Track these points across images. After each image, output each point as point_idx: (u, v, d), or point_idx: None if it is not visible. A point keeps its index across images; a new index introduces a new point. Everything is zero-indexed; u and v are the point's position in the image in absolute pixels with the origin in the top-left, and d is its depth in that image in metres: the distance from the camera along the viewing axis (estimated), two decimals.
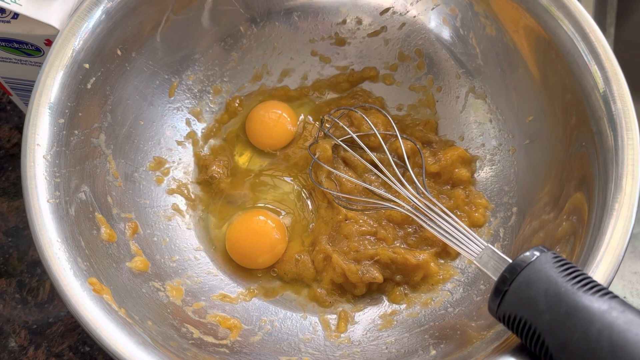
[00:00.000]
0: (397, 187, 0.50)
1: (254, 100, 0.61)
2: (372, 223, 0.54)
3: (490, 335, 0.42)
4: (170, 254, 0.52)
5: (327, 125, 0.58)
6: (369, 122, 0.55)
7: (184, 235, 0.54)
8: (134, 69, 0.52)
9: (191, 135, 0.58)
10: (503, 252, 0.44)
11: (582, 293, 0.35)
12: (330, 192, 0.55)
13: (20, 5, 0.48)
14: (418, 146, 0.57)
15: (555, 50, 0.48)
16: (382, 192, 0.54)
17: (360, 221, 0.54)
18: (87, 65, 0.47)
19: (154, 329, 0.43)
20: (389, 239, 0.53)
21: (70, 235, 0.42)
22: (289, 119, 0.59)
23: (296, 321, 0.51)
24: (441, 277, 0.52)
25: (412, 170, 0.55)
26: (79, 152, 0.47)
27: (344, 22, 0.60)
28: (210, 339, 0.46)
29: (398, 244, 0.54)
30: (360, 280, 0.51)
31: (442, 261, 0.53)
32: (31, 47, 0.51)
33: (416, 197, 0.49)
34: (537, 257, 0.38)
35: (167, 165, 0.56)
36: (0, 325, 0.57)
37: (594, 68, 0.45)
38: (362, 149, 0.54)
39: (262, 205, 0.57)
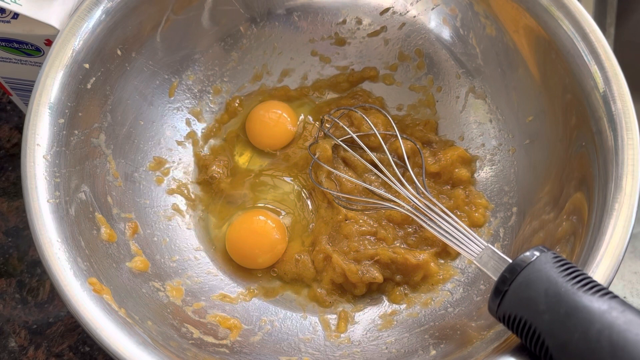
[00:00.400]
0: (397, 187, 0.50)
1: (254, 100, 0.61)
2: (372, 223, 0.54)
3: (490, 335, 0.42)
4: (170, 254, 0.52)
5: (327, 125, 0.58)
6: (369, 122, 0.55)
7: (184, 235, 0.54)
8: (134, 69, 0.52)
9: (191, 135, 0.58)
10: (503, 252, 0.44)
11: (582, 293, 0.35)
12: (330, 192, 0.55)
13: (20, 5, 0.48)
14: (418, 146, 0.57)
15: (555, 50, 0.48)
16: (382, 192, 0.54)
17: (360, 221, 0.54)
18: (87, 65, 0.47)
19: (154, 329, 0.43)
20: (389, 239, 0.53)
21: (70, 235, 0.42)
22: (289, 119, 0.59)
23: (296, 321, 0.51)
24: (441, 277, 0.52)
25: (412, 170, 0.55)
26: (79, 152, 0.47)
27: (344, 22, 0.60)
28: (210, 339, 0.46)
29: (398, 244, 0.54)
30: (360, 280, 0.51)
31: (442, 261, 0.53)
32: (31, 47, 0.51)
33: (416, 197, 0.49)
34: (537, 257, 0.38)
35: (167, 165, 0.56)
36: (0, 325, 0.57)
37: (594, 68, 0.45)
38: (362, 149, 0.54)
39: (262, 205, 0.57)
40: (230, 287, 0.53)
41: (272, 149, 0.59)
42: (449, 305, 0.50)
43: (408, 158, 0.55)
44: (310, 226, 0.56)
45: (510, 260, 0.40)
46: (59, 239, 0.41)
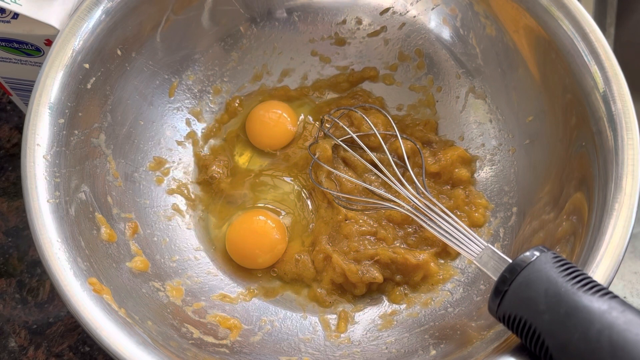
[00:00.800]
0: (397, 187, 0.50)
1: (254, 100, 0.61)
2: (372, 223, 0.54)
3: (490, 335, 0.42)
4: (170, 254, 0.52)
5: (327, 125, 0.58)
6: (369, 122, 0.55)
7: (184, 235, 0.54)
8: (134, 69, 0.52)
9: (191, 135, 0.58)
10: (503, 252, 0.44)
11: (582, 293, 0.35)
12: (330, 192, 0.55)
13: (20, 5, 0.48)
14: (418, 146, 0.57)
15: (555, 50, 0.48)
16: (382, 192, 0.54)
17: (360, 221, 0.54)
18: (87, 65, 0.47)
19: (154, 329, 0.43)
20: (389, 239, 0.53)
21: (70, 235, 0.42)
22: (289, 119, 0.59)
23: (296, 321, 0.51)
24: (441, 277, 0.52)
25: (412, 170, 0.55)
26: (79, 152, 0.47)
27: (344, 22, 0.60)
28: (210, 339, 0.46)
29: (398, 244, 0.54)
30: (360, 280, 0.51)
31: (442, 261, 0.53)
32: (31, 47, 0.51)
33: (416, 197, 0.49)
34: (537, 257, 0.38)
35: (167, 165, 0.56)
36: (0, 325, 0.57)
37: (594, 68, 0.45)
38: (362, 149, 0.54)
39: (262, 205, 0.57)
40: (230, 287, 0.53)
41: (272, 149, 0.59)
42: (449, 305, 0.50)
43: (408, 158, 0.55)
44: (310, 226, 0.56)
45: (510, 260, 0.40)
46: (59, 239, 0.41)
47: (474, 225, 0.54)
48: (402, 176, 0.54)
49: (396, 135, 0.56)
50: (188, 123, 0.58)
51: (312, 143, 0.58)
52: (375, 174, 0.55)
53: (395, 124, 0.56)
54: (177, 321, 0.46)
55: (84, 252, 0.43)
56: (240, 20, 0.59)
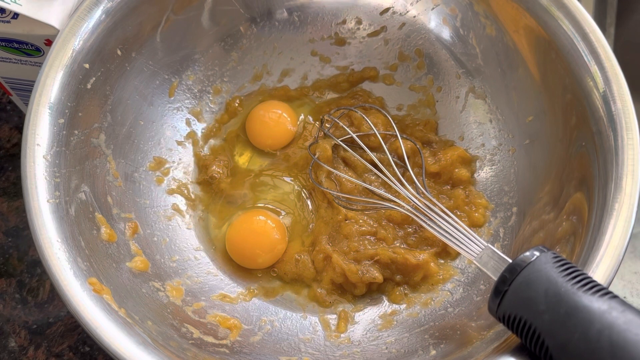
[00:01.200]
0: (397, 187, 0.50)
1: (254, 100, 0.61)
2: (372, 223, 0.54)
3: (490, 335, 0.42)
4: (170, 254, 0.52)
5: (327, 125, 0.59)
6: (369, 122, 0.55)
7: (184, 235, 0.54)
8: (134, 69, 0.52)
9: (191, 135, 0.58)
10: (503, 252, 0.44)
11: (582, 293, 0.35)
12: (330, 192, 0.55)
13: (20, 5, 0.48)
14: (418, 146, 0.57)
15: (555, 50, 0.48)
16: (382, 192, 0.54)
17: (360, 221, 0.54)
18: (87, 65, 0.47)
19: (154, 329, 0.43)
20: (389, 239, 0.53)
21: (70, 235, 0.42)
22: (289, 119, 0.59)
23: (296, 321, 0.51)
24: (441, 277, 0.52)
25: (412, 170, 0.55)
26: (79, 152, 0.47)
27: (344, 22, 0.60)
28: (210, 339, 0.46)
29: (398, 244, 0.54)
30: (360, 280, 0.51)
31: (442, 261, 0.53)
32: (31, 47, 0.51)
33: (416, 197, 0.49)
34: (537, 257, 0.38)
35: (167, 165, 0.56)
36: (0, 325, 0.57)
37: (594, 68, 0.45)
38: (362, 149, 0.54)
39: (262, 205, 0.57)
40: (230, 287, 0.53)
41: (272, 149, 0.59)
42: (449, 305, 0.50)
43: (408, 158, 0.55)
44: (310, 226, 0.56)
45: (510, 260, 0.40)
46: (59, 239, 0.41)
47: (474, 225, 0.54)
48: (402, 176, 0.54)
49: (396, 135, 0.56)
50: (188, 123, 0.58)
51: (312, 143, 0.58)
52: (375, 174, 0.55)
53: (395, 124, 0.56)
54: (177, 321, 0.46)
55: (84, 252, 0.43)
56: (240, 20, 0.59)
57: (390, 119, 0.56)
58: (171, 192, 0.56)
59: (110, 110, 0.51)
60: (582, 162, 0.46)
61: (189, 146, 0.58)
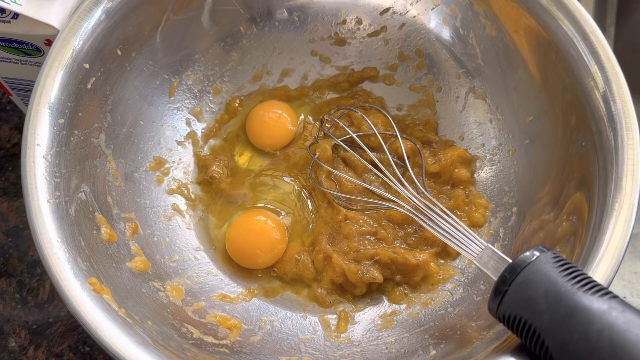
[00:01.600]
0: (397, 187, 0.50)
1: (254, 100, 0.61)
2: (372, 223, 0.54)
3: (490, 335, 0.42)
4: (170, 254, 0.52)
5: (327, 125, 0.59)
6: (369, 122, 0.55)
7: (184, 235, 0.54)
8: (134, 69, 0.52)
9: (191, 135, 0.58)
10: (503, 252, 0.44)
11: (582, 293, 0.35)
12: (330, 192, 0.55)
13: (20, 5, 0.48)
14: (418, 146, 0.57)
15: (555, 50, 0.48)
16: (382, 192, 0.54)
17: (360, 221, 0.54)
18: (87, 65, 0.47)
19: (154, 329, 0.43)
20: (389, 239, 0.53)
21: (70, 235, 0.42)
22: (289, 119, 0.59)
23: (296, 321, 0.51)
24: (441, 277, 0.52)
25: (412, 170, 0.55)
26: (79, 152, 0.47)
27: (344, 22, 0.60)
28: (210, 339, 0.46)
29: (398, 244, 0.54)
30: (360, 280, 0.51)
31: (442, 261, 0.53)
32: (31, 47, 0.51)
33: (416, 197, 0.49)
34: (537, 257, 0.38)
35: (167, 165, 0.56)
36: (0, 325, 0.57)
37: (594, 68, 0.45)
38: (362, 149, 0.54)
39: (262, 205, 0.57)
40: (230, 287, 0.53)
41: (272, 149, 0.59)
42: (449, 305, 0.50)
43: (408, 158, 0.55)
44: (310, 226, 0.56)
45: (510, 260, 0.40)
46: (59, 239, 0.41)
47: (474, 225, 0.54)
48: (402, 176, 0.54)
49: (396, 135, 0.56)
50: (188, 123, 0.58)
51: (312, 143, 0.58)
52: (375, 174, 0.55)
53: (395, 124, 0.56)
54: (177, 321, 0.46)
55: (84, 252, 0.43)
56: (240, 20, 0.59)
57: (390, 119, 0.56)
58: (171, 192, 0.56)
59: (110, 110, 0.51)
60: (582, 162, 0.46)
61: (189, 146, 0.58)
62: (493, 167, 0.56)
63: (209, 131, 0.59)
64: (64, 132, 0.45)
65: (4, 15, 0.49)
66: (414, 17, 0.58)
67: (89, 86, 0.48)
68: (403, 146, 0.54)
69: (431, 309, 0.51)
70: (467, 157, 0.56)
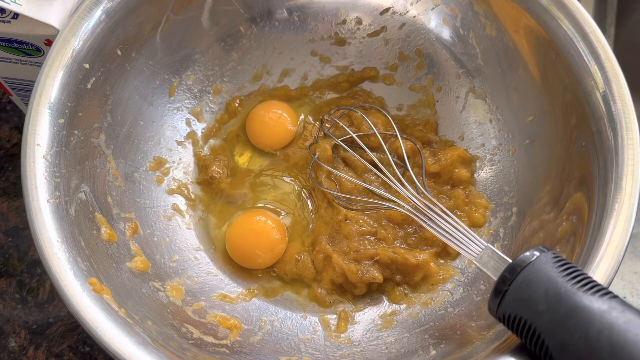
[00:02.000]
0: (397, 187, 0.50)
1: (254, 100, 0.61)
2: (372, 223, 0.54)
3: (490, 335, 0.42)
4: (170, 254, 0.52)
5: (327, 125, 0.59)
6: (369, 122, 0.55)
7: (184, 235, 0.54)
8: (134, 69, 0.52)
9: (191, 135, 0.58)
10: (503, 252, 0.44)
11: (582, 293, 0.35)
12: (330, 192, 0.55)
13: (20, 5, 0.48)
14: (418, 146, 0.57)
15: (555, 50, 0.48)
16: (382, 192, 0.54)
17: (360, 221, 0.54)
18: (87, 65, 0.47)
19: (154, 329, 0.43)
20: (389, 239, 0.53)
21: (70, 235, 0.42)
22: (289, 119, 0.59)
23: (296, 321, 0.51)
24: (441, 277, 0.52)
25: (412, 170, 0.55)
26: (79, 152, 0.47)
27: (344, 22, 0.60)
28: (210, 339, 0.46)
29: (398, 244, 0.54)
30: (360, 280, 0.51)
31: (442, 261, 0.53)
32: (31, 47, 0.51)
33: (416, 197, 0.49)
34: (537, 257, 0.38)
35: (167, 165, 0.56)
36: (0, 325, 0.57)
37: (594, 68, 0.45)
38: (362, 149, 0.54)
39: (262, 205, 0.57)
40: (230, 287, 0.53)
41: (272, 149, 0.59)
42: (449, 305, 0.50)
43: (408, 158, 0.55)
44: (310, 226, 0.56)
45: (510, 260, 0.40)
46: (59, 239, 0.41)
47: (474, 225, 0.54)
48: (402, 176, 0.54)
49: (396, 135, 0.56)
50: (188, 123, 0.58)
51: (312, 143, 0.58)
52: (375, 174, 0.55)
53: (395, 124, 0.56)
54: (177, 321, 0.46)
55: (84, 252, 0.43)
56: (240, 20, 0.59)
57: (390, 119, 0.56)
58: (171, 192, 0.56)
59: (110, 110, 0.51)
60: (582, 162, 0.46)
61: (189, 146, 0.58)
62: (493, 167, 0.56)
63: (209, 131, 0.59)
64: (64, 132, 0.45)
65: (4, 15, 0.49)
66: (414, 17, 0.58)
67: (89, 86, 0.48)
68: (403, 146, 0.54)
69: (431, 309, 0.51)
70: (467, 157, 0.56)
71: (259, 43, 0.60)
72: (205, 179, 0.57)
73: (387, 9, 0.59)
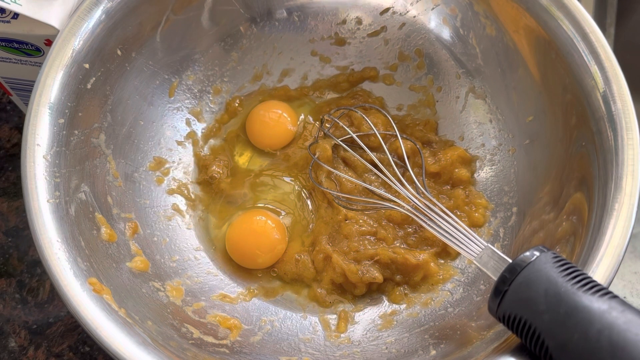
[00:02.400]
0: (397, 187, 0.50)
1: (254, 100, 0.61)
2: (372, 223, 0.54)
3: (490, 335, 0.42)
4: (170, 254, 0.52)
5: (327, 125, 0.59)
6: (369, 122, 0.55)
7: (184, 235, 0.54)
8: (134, 69, 0.52)
9: (191, 135, 0.58)
10: (503, 252, 0.44)
11: (582, 293, 0.35)
12: (330, 192, 0.55)
13: (20, 5, 0.48)
14: (418, 146, 0.57)
15: (555, 50, 0.48)
16: (382, 192, 0.54)
17: (360, 221, 0.54)
18: (87, 65, 0.47)
19: (154, 329, 0.43)
20: (389, 239, 0.53)
21: (70, 235, 0.42)
22: (289, 119, 0.59)
23: (296, 321, 0.51)
24: (441, 277, 0.52)
25: (412, 170, 0.55)
26: (79, 152, 0.47)
27: (344, 22, 0.60)
28: (210, 339, 0.46)
29: (398, 244, 0.54)
30: (360, 280, 0.51)
31: (442, 261, 0.53)
32: (31, 47, 0.51)
33: (416, 197, 0.49)
34: (537, 257, 0.38)
35: (167, 165, 0.56)
36: (0, 325, 0.57)
37: (594, 68, 0.45)
38: (362, 149, 0.54)
39: (262, 205, 0.57)
40: (230, 287, 0.53)
41: (272, 149, 0.59)
42: (449, 305, 0.50)
43: (408, 158, 0.55)
44: (310, 226, 0.56)
45: (510, 260, 0.40)
46: (59, 239, 0.41)
47: (474, 225, 0.54)
48: (402, 176, 0.54)
49: (396, 135, 0.56)
50: (188, 123, 0.58)
51: (312, 143, 0.58)
52: (375, 174, 0.55)
53: (395, 124, 0.56)
54: (177, 321, 0.46)
55: (84, 252, 0.43)
56: (240, 20, 0.59)
57: (390, 119, 0.56)
58: (171, 192, 0.56)
59: (110, 110, 0.51)
60: (582, 162, 0.46)
61: (189, 146, 0.58)
62: (493, 167, 0.56)
63: (209, 131, 0.59)
64: (64, 132, 0.45)
65: (4, 15, 0.49)
66: (414, 17, 0.58)
67: (89, 86, 0.48)
68: (403, 146, 0.54)
69: (431, 309, 0.51)
70: (467, 157, 0.56)
71: (259, 43, 0.60)
72: (205, 179, 0.57)
73: (387, 9, 0.59)
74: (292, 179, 0.58)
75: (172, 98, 0.57)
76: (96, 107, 0.49)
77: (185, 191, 0.56)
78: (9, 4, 0.47)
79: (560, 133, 0.49)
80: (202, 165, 0.58)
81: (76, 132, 0.47)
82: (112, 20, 0.49)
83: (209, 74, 0.59)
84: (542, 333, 0.36)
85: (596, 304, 0.34)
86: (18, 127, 0.66)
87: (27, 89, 0.57)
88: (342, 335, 0.50)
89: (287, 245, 0.55)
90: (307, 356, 0.48)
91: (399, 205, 0.51)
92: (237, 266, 0.54)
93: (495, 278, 0.40)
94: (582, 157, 0.46)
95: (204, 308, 0.49)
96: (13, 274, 0.59)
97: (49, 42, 0.50)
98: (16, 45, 0.51)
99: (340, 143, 0.55)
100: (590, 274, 0.39)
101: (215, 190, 0.57)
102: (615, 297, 0.35)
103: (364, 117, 0.56)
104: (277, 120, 0.59)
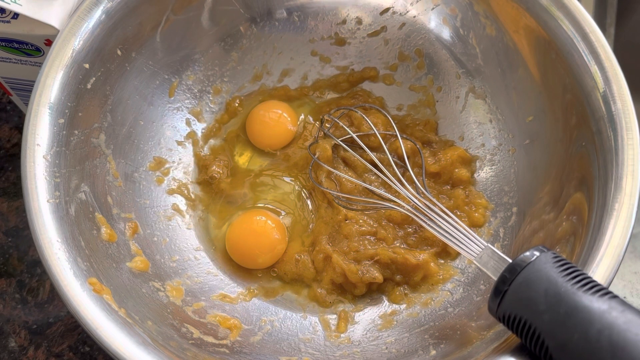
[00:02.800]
0: (397, 187, 0.50)
1: (254, 100, 0.61)
2: (372, 223, 0.54)
3: (490, 335, 0.42)
4: (170, 254, 0.52)
5: (327, 125, 0.59)
6: (369, 122, 0.55)
7: (184, 235, 0.54)
8: (134, 69, 0.52)
9: (191, 135, 0.58)
10: (503, 252, 0.44)
11: (582, 293, 0.35)
12: (330, 192, 0.55)
13: (20, 5, 0.48)
14: (418, 146, 0.57)
15: (555, 50, 0.48)
16: (382, 192, 0.54)
17: (360, 221, 0.54)
18: (87, 65, 0.47)
19: (154, 329, 0.43)
20: (389, 239, 0.53)
21: (70, 235, 0.42)
22: (289, 119, 0.59)
23: (296, 321, 0.51)
24: (441, 277, 0.52)
25: (412, 170, 0.55)
26: (79, 152, 0.47)
27: (344, 22, 0.60)
28: (210, 339, 0.46)
29: (398, 244, 0.54)
30: (360, 280, 0.51)
31: (442, 261, 0.53)
32: (31, 47, 0.51)
33: (416, 197, 0.49)
34: (537, 257, 0.38)
35: (167, 165, 0.56)
36: (0, 325, 0.57)
37: (594, 68, 0.45)
38: (362, 149, 0.54)
39: (262, 205, 0.57)
40: (230, 287, 0.53)
41: (272, 149, 0.59)
42: (449, 305, 0.50)
43: (408, 158, 0.55)
44: (310, 226, 0.56)
45: (510, 260, 0.40)
46: (59, 239, 0.41)
47: (474, 225, 0.54)
48: (402, 176, 0.54)
49: (396, 135, 0.56)
50: (188, 123, 0.58)
51: (312, 143, 0.58)
52: (375, 174, 0.55)
53: (395, 124, 0.56)
54: (177, 321, 0.46)
55: (84, 252, 0.43)
56: (240, 20, 0.59)
57: (390, 119, 0.56)
58: (171, 192, 0.56)
59: (110, 110, 0.51)
60: (582, 162, 0.46)
61: (189, 146, 0.58)
62: (493, 167, 0.56)
63: (209, 131, 0.59)
64: (64, 132, 0.45)
65: (4, 15, 0.49)
66: (414, 17, 0.58)
67: (89, 86, 0.48)
68: (403, 146, 0.54)
69: (431, 309, 0.51)
70: (467, 157, 0.56)
71: (259, 43, 0.60)
72: (205, 179, 0.57)
73: (387, 9, 0.59)
74: (292, 179, 0.58)
75: (172, 98, 0.57)
76: (96, 107, 0.49)
77: (185, 191, 0.56)
78: (9, 4, 0.47)
79: (560, 133, 0.49)
80: (202, 165, 0.58)
81: (76, 132, 0.47)
82: (112, 20, 0.49)
83: (209, 74, 0.59)
84: (542, 333, 0.36)
85: (596, 304, 0.34)
86: (18, 127, 0.66)
87: (27, 89, 0.57)
88: (342, 335, 0.50)
89: (287, 245, 0.55)
90: (307, 356, 0.48)
91: (399, 205, 0.51)
92: (237, 266, 0.54)
93: (495, 278, 0.40)
94: (582, 157, 0.46)
95: (204, 308, 0.49)
96: (13, 274, 0.59)
97: (49, 42, 0.50)
98: (16, 45, 0.51)
99: (340, 143, 0.55)
100: (590, 274, 0.39)
101: (215, 190, 0.57)
102: (615, 297, 0.35)
103: (364, 117, 0.56)
104: (277, 120, 0.59)
